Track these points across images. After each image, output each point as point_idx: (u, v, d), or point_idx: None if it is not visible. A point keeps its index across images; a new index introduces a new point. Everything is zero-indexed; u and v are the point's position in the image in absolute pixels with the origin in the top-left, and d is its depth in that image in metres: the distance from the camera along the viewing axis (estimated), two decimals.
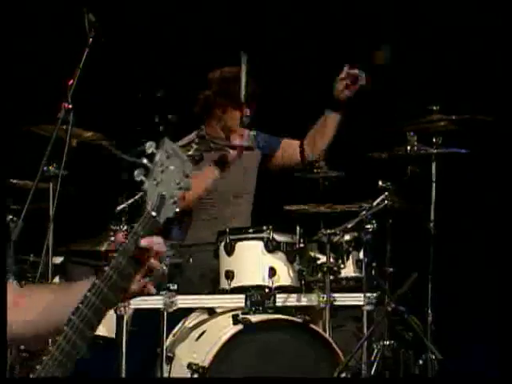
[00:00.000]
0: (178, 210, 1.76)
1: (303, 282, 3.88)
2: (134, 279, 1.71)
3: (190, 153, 3.77)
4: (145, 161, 1.72)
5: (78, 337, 1.65)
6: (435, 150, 4.09)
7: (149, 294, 1.79)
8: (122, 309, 3.71)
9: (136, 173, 1.71)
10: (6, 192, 3.97)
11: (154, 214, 1.72)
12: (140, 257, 1.70)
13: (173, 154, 1.76)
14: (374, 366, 3.86)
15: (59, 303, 1.79)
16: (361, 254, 3.95)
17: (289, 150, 4.45)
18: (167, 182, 1.74)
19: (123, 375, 3.66)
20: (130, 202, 3.80)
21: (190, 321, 3.92)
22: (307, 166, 4.24)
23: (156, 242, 1.70)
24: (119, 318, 3.66)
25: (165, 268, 3.78)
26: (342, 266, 3.91)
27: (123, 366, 3.62)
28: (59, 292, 1.88)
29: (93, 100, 3.93)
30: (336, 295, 3.84)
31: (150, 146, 1.74)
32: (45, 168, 3.58)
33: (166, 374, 3.72)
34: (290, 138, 4.51)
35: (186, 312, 3.91)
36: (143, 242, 1.68)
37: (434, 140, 4.06)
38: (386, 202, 3.90)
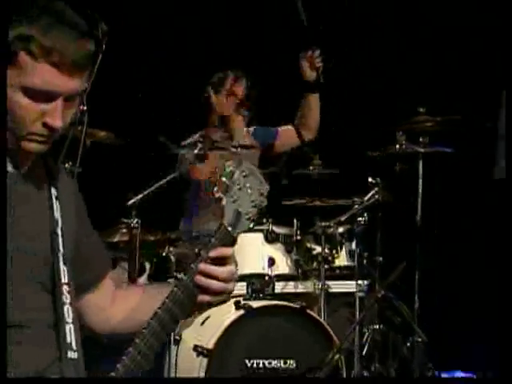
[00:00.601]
0: (251, 225, 1.80)
1: (300, 271, 3.94)
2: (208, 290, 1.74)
3: (195, 151, 3.90)
4: (224, 179, 1.75)
5: (155, 339, 1.68)
6: (422, 149, 4.11)
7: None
8: None
9: (215, 189, 1.75)
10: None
11: (229, 228, 1.74)
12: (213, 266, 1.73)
13: (250, 173, 1.80)
14: (366, 348, 3.95)
15: (149, 303, 1.80)
16: (353, 245, 4.01)
17: (286, 136, 4.43)
18: (244, 199, 1.77)
19: None
20: (139, 197, 3.82)
21: None
22: (306, 146, 4.25)
23: (225, 252, 1.73)
24: None
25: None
26: (336, 255, 3.98)
27: None
28: (149, 292, 1.91)
29: (106, 102, 3.87)
30: (330, 283, 3.92)
31: (229, 165, 1.77)
32: (61, 165, 3.66)
33: (173, 355, 3.73)
34: (284, 125, 4.46)
35: None
36: (212, 253, 1.71)
37: (421, 139, 4.09)
38: (376, 196, 3.96)
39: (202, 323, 3.77)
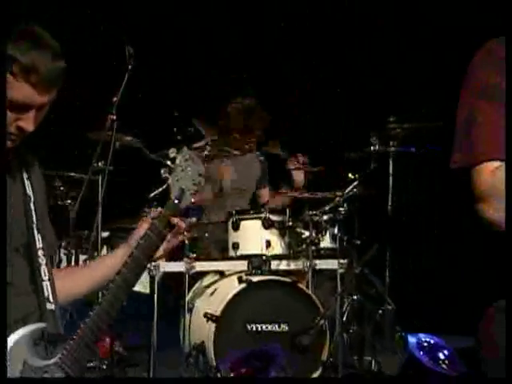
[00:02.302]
0: (193, 200, 1.87)
1: (292, 252, 3.99)
2: (164, 239, 1.83)
3: (205, 153, 3.87)
4: (168, 162, 1.85)
5: (132, 275, 1.76)
6: (392, 150, 4.15)
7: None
8: (154, 271, 3.71)
9: (162, 171, 1.85)
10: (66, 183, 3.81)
11: (176, 201, 1.85)
12: (167, 230, 1.83)
13: (190, 158, 1.87)
14: (345, 315, 4.00)
15: (109, 265, 1.85)
16: (335, 230, 4.05)
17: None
18: (186, 178, 1.86)
19: (155, 320, 3.67)
20: (159, 190, 4.05)
21: (206, 280, 4.03)
22: None
23: (177, 221, 1.84)
24: (152, 278, 3.75)
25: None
26: (321, 239, 4.01)
27: (155, 314, 3.68)
28: (111, 257, 1.93)
29: (132, 111, 3.79)
30: (316, 261, 3.94)
31: (172, 152, 1.86)
32: (95, 164, 3.59)
33: (187, 321, 3.79)
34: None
35: (203, 274, 4.01)
36: (172, 220, 1.82)
37: (391, 143, 4.13)
38: (354, 190, 3.99)
39: (211, 294, 3.86)
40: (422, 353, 3.46)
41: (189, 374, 3.66)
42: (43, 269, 1.72)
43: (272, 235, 3.97)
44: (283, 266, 3.99)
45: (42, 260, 1.73)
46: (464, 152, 1.53)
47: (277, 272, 3.93)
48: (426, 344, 3.52)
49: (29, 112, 1.64)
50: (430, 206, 4.98)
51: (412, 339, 3.52)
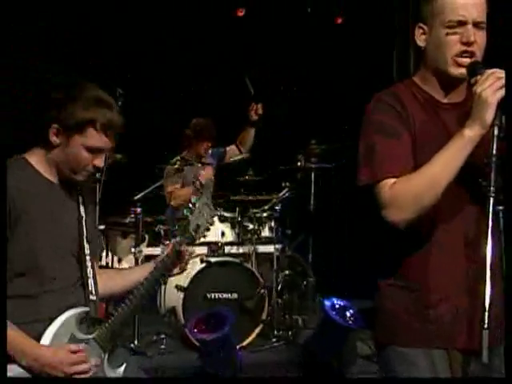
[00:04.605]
0: (206, 234, 2.01)
1: (240, 239, 4.26)
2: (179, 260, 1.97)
3: (175, 166, 4.27)
4: (190, 205, 1.98)
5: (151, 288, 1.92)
6: (313, 165, 4.47)
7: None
8: (138, 254, 3.85)
9: (185, 211, 1.98)
10: None
11: (193, 233, 1.97)
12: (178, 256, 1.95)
13: (205, 204, 2.00)
14: (279, 286, 4.22)
15: (133, 279, 1.95)
16: (272, 223, 4.34)
17: (231, 151, 4.72)
18: (201, 218, 1.98)
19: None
20: (141, 194, 4.24)
21: None
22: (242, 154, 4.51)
23: (187, 250, 1.98)
24: (136, 260, 3.91)
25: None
26: (262, 230, 4.32)
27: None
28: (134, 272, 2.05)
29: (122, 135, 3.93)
30: (258, 247, 4.25)
31: (194, 199, 1.99)
32: (94, 175, 3.25)
33: (162, 291, 3.97)
34: (229, 145, 4.73)
35: None
36: (182, 248, 1.96)
37: (313, 159, 4.44)
38: (286, 194, 4.32)
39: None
40: (334, 312, 3.56)
41: (164, 329, 3.90)
42: (89, 270, 1.85)
43: (225, 227, 4.23)
44: (234, 250, 4.22)
45: (89, 263, 1.85)
46: (368, 173, 1.65)
47: (229, 254, 4.16)
48: (337, 306, 3.62)
49: (102, 153, 1.82)
50: (342, 206, 5.31)
51: (327, 302, 3.62)
